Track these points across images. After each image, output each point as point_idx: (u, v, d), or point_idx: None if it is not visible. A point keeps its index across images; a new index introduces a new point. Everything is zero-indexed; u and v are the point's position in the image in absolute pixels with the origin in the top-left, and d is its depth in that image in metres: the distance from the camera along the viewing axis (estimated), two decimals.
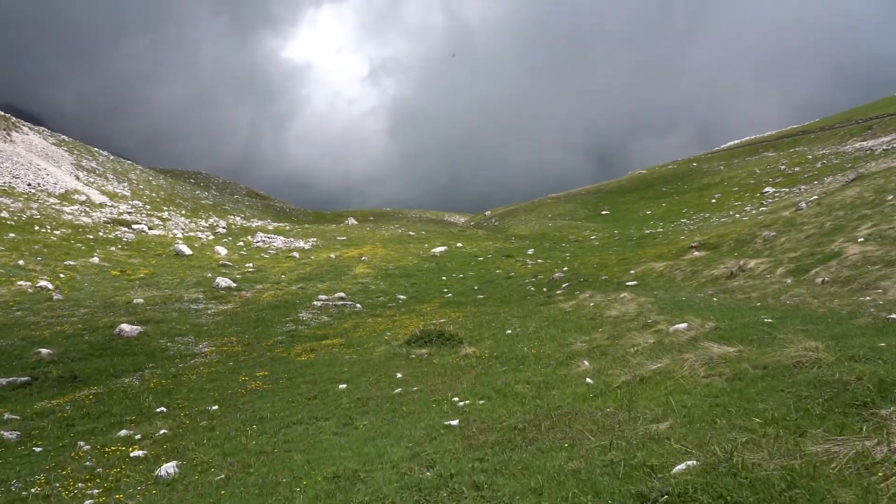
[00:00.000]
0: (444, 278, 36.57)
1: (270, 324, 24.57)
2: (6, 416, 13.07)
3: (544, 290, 29.75)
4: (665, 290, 22.39)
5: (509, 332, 17.89)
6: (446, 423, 8.74)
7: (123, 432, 11.32)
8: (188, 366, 17.79)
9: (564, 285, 29.35)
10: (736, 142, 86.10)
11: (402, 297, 30.78)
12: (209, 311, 26.78)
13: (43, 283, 31.45)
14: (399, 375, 12.89)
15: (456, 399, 10.26)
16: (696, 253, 30.67)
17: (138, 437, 11.02)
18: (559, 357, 12.48)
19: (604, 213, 67.40)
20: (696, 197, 66.45)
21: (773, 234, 27.35)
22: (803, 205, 31.40)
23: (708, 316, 12.60)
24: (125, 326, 21.49)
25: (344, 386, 12.59)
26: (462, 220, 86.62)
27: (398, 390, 11.46)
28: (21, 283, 31.13)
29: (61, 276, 33.81)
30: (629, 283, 26.84)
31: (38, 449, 10.93)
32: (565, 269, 35.25)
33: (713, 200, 61.95)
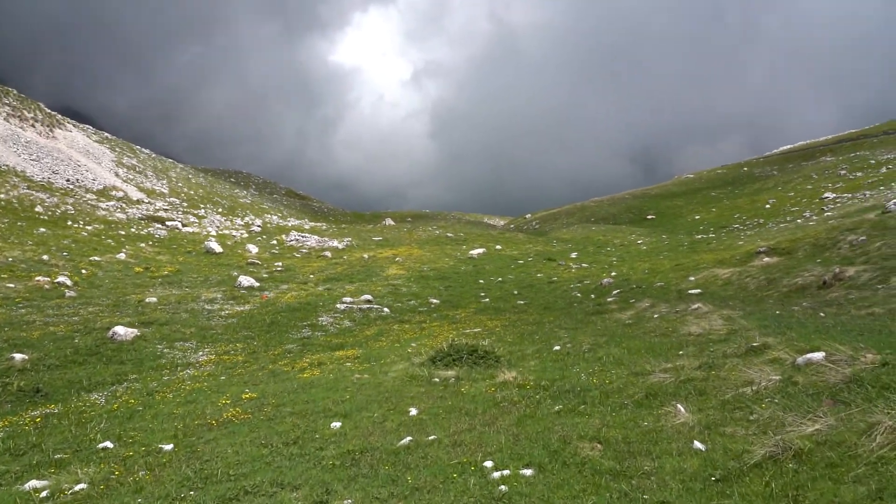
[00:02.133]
0: (481, 281, 32.81)
1: (285, 329, 21.20)
2: None
3: (592, 296, 25.69)
4: (742, 302, 18.13)
5: (557, 348, 14.03)
6: None
7: (32, 484, 7.90)
8: (173, 379, 14.42)
9: (615, 292, 25.23)
10: (789, 146, 79.75)
11: (434, 301, 27.13)
12: (223, 313, 23.60)
13: (62, 278, 28.87)
14: (413, 412, 9.16)
15: (489, 464, 6.50)
16: (766, 259, 26.12)
17: (45, 493, 7.59)
18: (635, 394, 8.59)
19: (649, 217, 62.66)
20: (748, 202, 61.17)
21: (864, 238, 22.72)
22: (893, 206, 26.55)
23: (852, 341, 8.53)
24: (119, 329, 18.35)
25: (338, 424, 8.93)
26: (501, 223, 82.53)
27: (407, 440, 7.72)
28: (39, 278, 28.60)
29: (83, 271, 31.28)
30: (692, 292, 22.60)
31: None
32: (613, 274, 31.10)
33: (767, 206, 56.78)
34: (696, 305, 16.20)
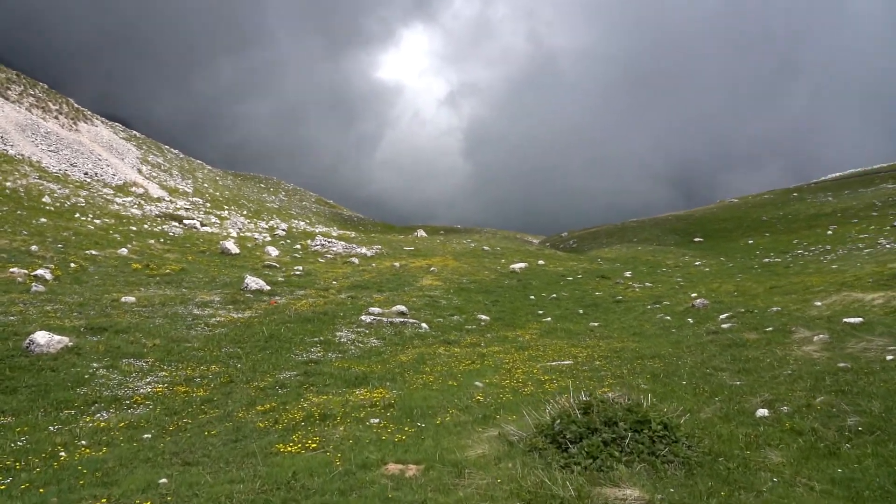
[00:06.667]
0: (532, 297, 25.66)
1: (288, 345, 14.24)
2: None
3: (689, 321, 18.35)
4: None
5: (763, 413, 6.94)
6: None
7: None
8: (59, 434, 7.53)
9: (723, 317, 17.80)
10: (838, 174, 71.37)
11: (483, 317, 20.05)
12: (212, 321, 16.76)
13: (41, 272, 22.30)
14: None
15: None
16: None
17: None
18: None
19: (697, 240, 54.92)
20: (804, 227, 53.17)
21: None
22: None
23: None
24: (40, 336, 11.53)
25: None
26: (535, 241, 75.15)
27: None
28: (14, 270, 22.08)
29: (71, 265, 24.73)
30: (851, 321, 15.14)
31: None
32: (693, 294, 23.68)
33: (829, 232, 48.61)
34: None
